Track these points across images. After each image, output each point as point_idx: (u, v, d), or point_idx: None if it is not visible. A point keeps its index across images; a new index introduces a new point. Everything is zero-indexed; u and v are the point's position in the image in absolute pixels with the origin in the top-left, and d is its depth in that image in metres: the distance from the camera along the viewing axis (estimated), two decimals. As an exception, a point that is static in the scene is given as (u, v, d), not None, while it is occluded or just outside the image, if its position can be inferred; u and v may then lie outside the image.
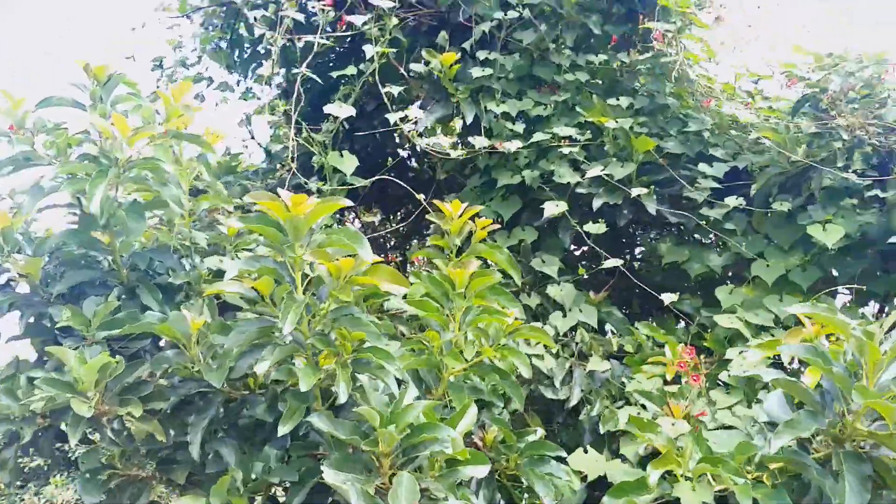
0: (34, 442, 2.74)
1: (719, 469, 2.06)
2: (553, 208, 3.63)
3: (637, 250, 4.76)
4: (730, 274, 4.02)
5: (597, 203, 3.78)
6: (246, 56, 5.53)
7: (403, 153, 5.65)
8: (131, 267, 2.93)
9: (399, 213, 5.76)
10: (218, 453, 2.57)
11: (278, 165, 5.12)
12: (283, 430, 2.15)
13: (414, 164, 5.71)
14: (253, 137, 5.46)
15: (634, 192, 3.63)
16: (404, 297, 3.64)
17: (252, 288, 2.30)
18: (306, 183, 4.02)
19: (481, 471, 2.21)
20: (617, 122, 3.81)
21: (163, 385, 2.63)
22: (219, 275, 3.11)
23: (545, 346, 3.46)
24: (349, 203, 2.30)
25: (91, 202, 2.44)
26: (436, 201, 3.07)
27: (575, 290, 3.76)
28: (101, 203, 2.47)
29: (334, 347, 2.22)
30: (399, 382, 2.29)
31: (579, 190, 3.87)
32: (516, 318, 2.62)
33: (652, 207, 3.70)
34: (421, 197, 3.52)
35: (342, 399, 2.09)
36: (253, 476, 2.45)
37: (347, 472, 2.06)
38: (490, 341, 2.63)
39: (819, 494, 2.20)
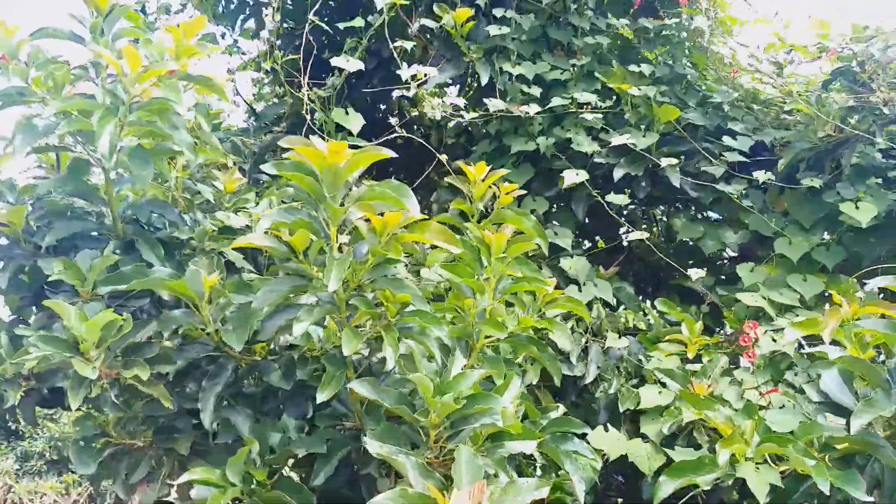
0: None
1: (788, 449, 1.94)
2: (573, 176, 3.46)
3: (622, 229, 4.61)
4: (739, 253, 3.92)
5: (618, 173, 3.62)
6: (233, 6, 5.23)
7: (393, 120, 5.40)
8: (126, 220, 2.69)
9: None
10: (228, 422, 2.37)
11: (265, 123, 4.87)
12: (322, 397, 1.95)
13: (402, 131, 5.46)
14: (238, 94, 5.17)
15: (664, 162, 3.47)
16: (415, 265, 3.51)
17: (284, 243, 2.08)
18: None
19: (529, 446, 2.05)
20: (640, 89, 3.65)
21: (168, 347, 2.41)
22: (224, 231, 2.89)
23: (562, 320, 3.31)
24: (391, 154, 2.10)
25: (99, 143, 2.20)
26: (459, 163, 2.89)
27: (588, 264, 3.62)
28: (110, 145, 2.24)
29: (375, 309, 2.03)
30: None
31: (597, 159, 3.70)
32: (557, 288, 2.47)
33: (676, 180, 3.54)
34: (444, 158, 3.30)
35: (390, 365, 1.90)
36: (270, 447, 2.26)
37: (392, 444, 1.88)
38: (527, 311, 2.47)
39: (879, 477, 2.10)
